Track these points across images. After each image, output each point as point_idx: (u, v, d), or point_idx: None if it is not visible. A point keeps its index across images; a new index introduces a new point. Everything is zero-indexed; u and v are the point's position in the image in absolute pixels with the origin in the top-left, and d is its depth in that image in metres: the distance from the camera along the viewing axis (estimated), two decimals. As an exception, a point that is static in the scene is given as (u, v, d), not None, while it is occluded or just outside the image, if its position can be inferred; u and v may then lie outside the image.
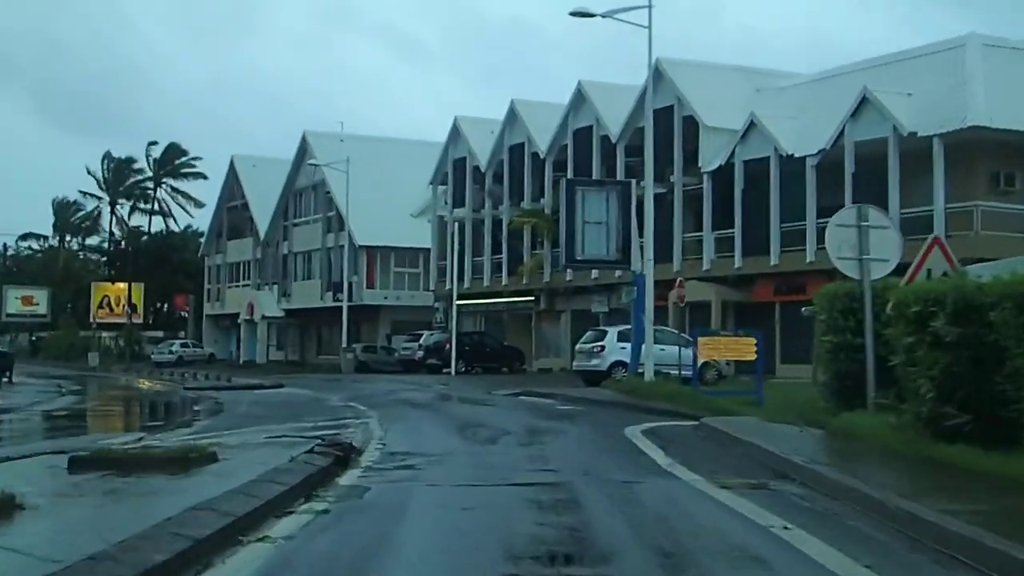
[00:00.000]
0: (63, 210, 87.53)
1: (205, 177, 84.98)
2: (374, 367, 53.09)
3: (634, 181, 30.07)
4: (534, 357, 50.39)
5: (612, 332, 33.37)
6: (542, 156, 49.19)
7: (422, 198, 63.48)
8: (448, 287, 53.83)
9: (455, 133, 55.64)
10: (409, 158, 64.20)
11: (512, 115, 51.49)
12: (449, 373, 44.68)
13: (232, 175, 74.14)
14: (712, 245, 40.77)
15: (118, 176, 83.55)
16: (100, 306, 79.89)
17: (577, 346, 34.27)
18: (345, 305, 55.37)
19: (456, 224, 54.63)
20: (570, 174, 46.44)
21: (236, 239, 75.11)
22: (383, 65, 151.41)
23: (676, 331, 32.00)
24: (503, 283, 51.58)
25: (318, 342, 67.50)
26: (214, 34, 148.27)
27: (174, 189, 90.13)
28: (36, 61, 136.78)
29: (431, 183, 57.25)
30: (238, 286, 73.97)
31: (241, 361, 68.89)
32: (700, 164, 40.83)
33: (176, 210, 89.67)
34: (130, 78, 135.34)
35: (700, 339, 26.66)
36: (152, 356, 69.09)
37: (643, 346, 29.02)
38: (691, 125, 41.39)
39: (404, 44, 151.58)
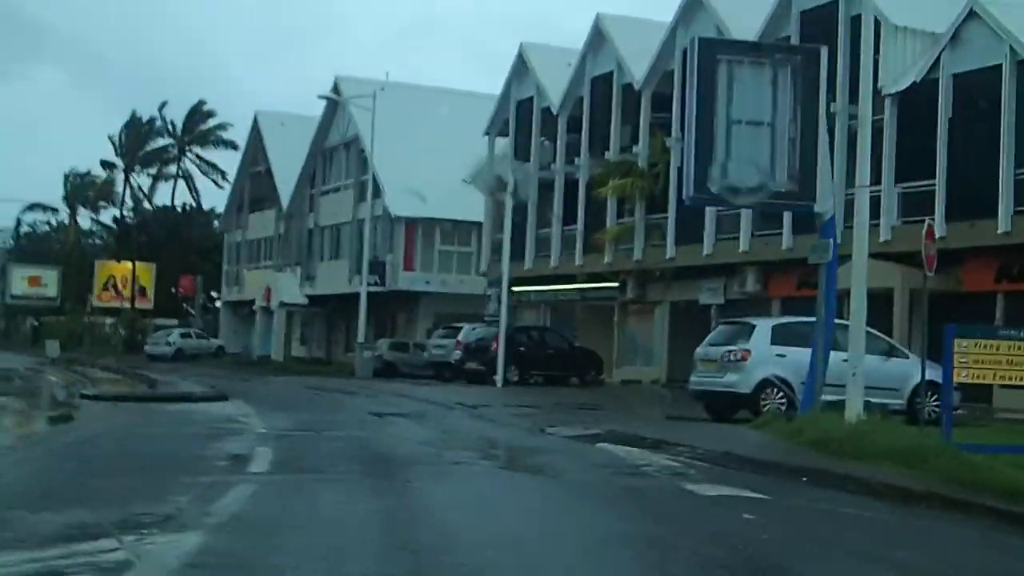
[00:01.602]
0: (75, 181, 75.83)
1: (235, 147, 72.56)
2: (402, 369, 40.20)
3: (824, 48, 16.59)
4: (615, 364, 37.02)
5: (762, 328, 19.83)
6: (637, 87, 35.78)
7: (478, 161, 50.51)
8: (504, 270, 40.72)
9: (520, 66, 42.32)
10: (463, 112, 51.37)
11: (597, 36, 38.12)
12: (495, 383, 31.49)
13: (255, 136, 61.69)
14: (896, 203, 27.05)
15: (135, 141, 71.43)
16: (104, 288, 68.17)
17: (699, 351, 20.67)
18: (364, 290, 42.58)
19: (517, 185, 41.40)
20: (676, 113, 33.15)
21: (258, 212, 62.67)
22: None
23: (876, 331, 18.49)
24: (576, 262, 38.26)
25: (347, 335, 54.52)
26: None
27: (200, 158, 78.06)
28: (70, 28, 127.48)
29: (486, 133, 44.02)
30: (260, 267, 61.50)
31: (255, 356, 56.41)
32: (880, 83, 26.97)
33: (203, 182, 77.71)
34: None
35: (959, 343, 13.42)
36: (146, 348, 56.85)
37: (829, 355, 15.85)
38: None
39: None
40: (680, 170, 26.07)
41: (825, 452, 13.25)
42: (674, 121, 34.06)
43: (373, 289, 45.78)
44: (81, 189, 75.46)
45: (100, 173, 73.79)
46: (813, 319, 16.85)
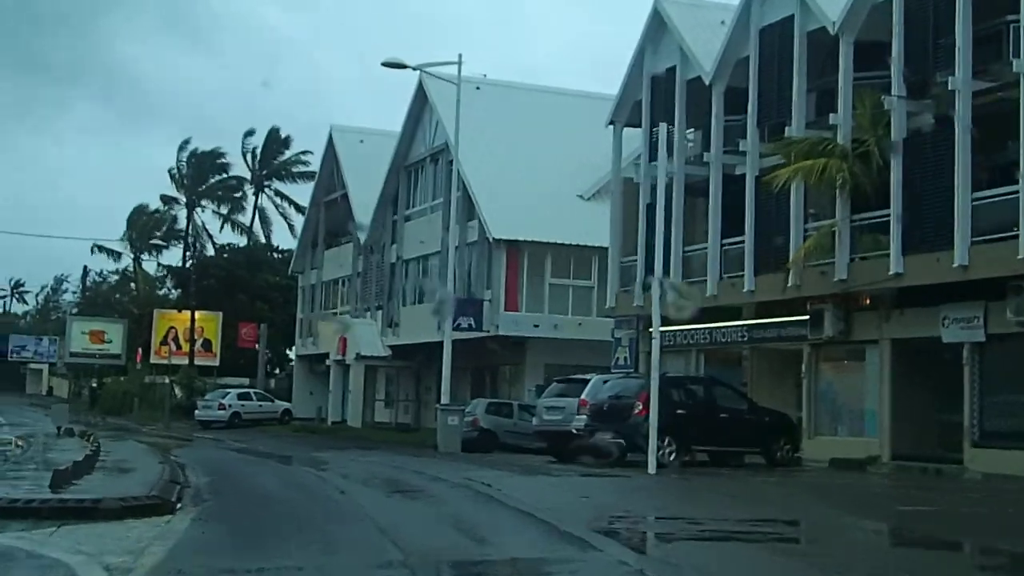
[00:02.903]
0: (138, 219, 67.24)
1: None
2: (502, 439, 29.61)
3: None
4: (806, 432, 25.63)
5: None
6: (834, 31, 24.76)
7: (596, 173, 40.15)
8: (637, 302, 29.93)
9: (655, 28, 31.41)
10: (577, 115, 41.35)
11: (766, -28, 27.33)
12: (647, 467, 20.24)
13: (330, 157, 52.18)
14: None
15: (199, 172, 62.51)
16: (164, 342, 58.93)
17: None
18: (448, 336, 31.94)
19: (653, 188, 30.75)
20: (898, 60, 22.25)
21: (334, 247, 52.93)
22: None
23: None
24: (744, 288, 27.12)
25: (438, 394, 43.76)
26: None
27: (279, 193, 69.13)
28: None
29: (611, 122, 33.22)
30: (335, 313, 51.52)
31: (329, 422, 46.33)
32: None
33: (278, 222, 68.65)
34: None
35: None
36: (196, 413, 47.14)
37: None
38: None
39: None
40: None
41: None
42: (895, 75, 23.05)
43: (464, 335, 35.36)
44: (144, 230, 66.73)
45: (164, 209, 64.73)
46: None
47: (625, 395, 22.20)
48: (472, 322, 36.83)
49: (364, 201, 47.90)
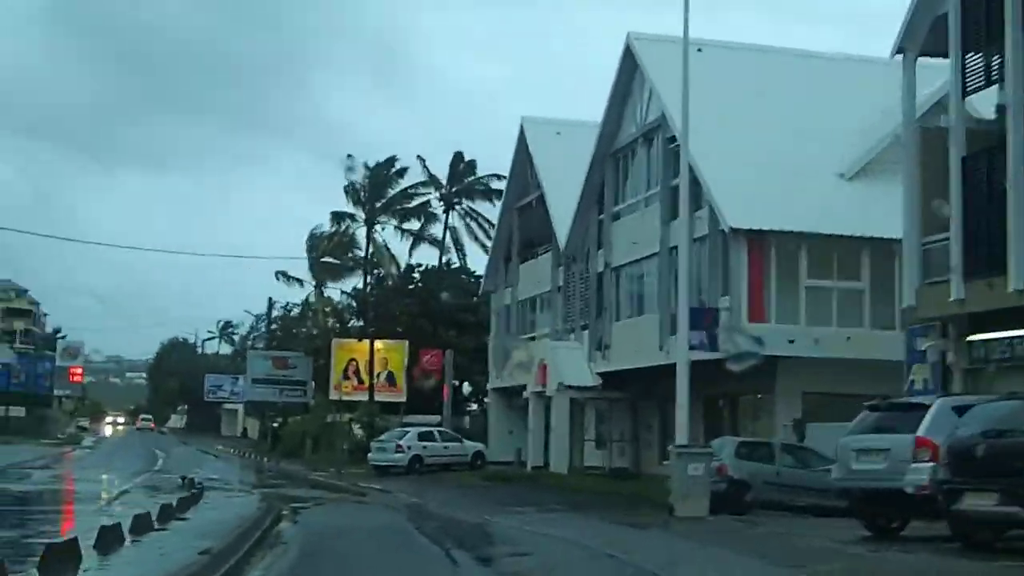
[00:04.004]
0: (318, 244, 61.25)
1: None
2: (762, 494, 21.09)
3: None
4: None
5: None
6: None
7: (858, 147, 31.41)
8: (956, 295, 20.80)
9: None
10: (826, 80, 32.87)
11: None
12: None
13: (522, 154, 44.55)
14: None
15: (376, 184, 55.76)
16: (345, 375, 52.45)
17: None
18: (683, 359, 23.20)
19: (969, 133, 21.62)
20: None
21: (530, 260, 45.22)
22: None
23: None
24: None
25: (663, 433, 35.16)
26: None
27: (469, 213, 62.12)
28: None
29: (899, 51, 23.87)
30: (532, 337, 43.68)
31: (529, 467, 38.45)
32: None
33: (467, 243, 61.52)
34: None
35: None
36: (370, 456, 39.88)
37: None
38: None
39: None
40: None
41: None
42: None
43: (697, 356, 26.70)
44: (323, 252, 60.59)
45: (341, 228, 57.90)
46: None
47: (1020, 430, 13.06)
48: (705, 339, 28.22)
49: (563, 203, 40.07)
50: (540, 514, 20.81)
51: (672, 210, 31.70)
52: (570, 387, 37.15)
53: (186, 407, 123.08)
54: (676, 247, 29.66)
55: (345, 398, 51.49)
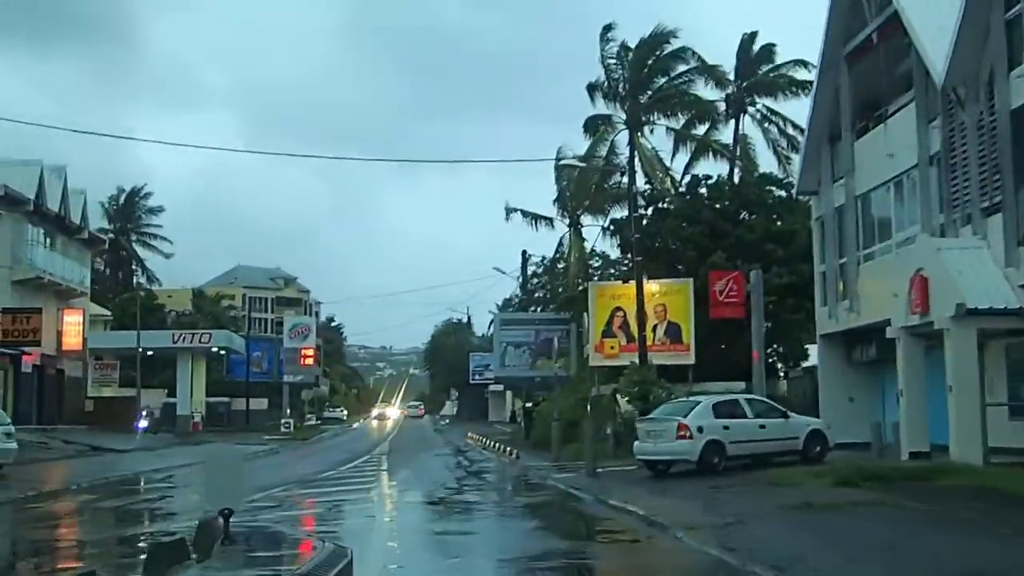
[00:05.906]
0: (567, 171, 46.80)
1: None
2: None
3: None
4: None
5: None
6: None
7: None
8: None
9: None
10: None
11: None
12: None
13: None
14: None
15: (638, 72, 40.55)
16: (606, 332, 38.21)
17: None
18: None
19: None
20: None
21: (874, 130, 29.07)
22: None
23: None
24: None
25: None
26: None
27: (766, 116, 46.49)
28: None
29: None
30: (889, 250, 27.63)
31: (905, 454, 22.70)
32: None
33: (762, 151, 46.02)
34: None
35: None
36: (635, 445, 24.92)
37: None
38: None
39: None
40: None
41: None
42: None
43: None
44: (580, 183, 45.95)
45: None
46: None
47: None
48: None
49: (930, 19, 24.03)
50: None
51: None
52: (976, 312, 21.23)
53: (456, 393, 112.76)
54: None
55: (607, 362, 37.02)
